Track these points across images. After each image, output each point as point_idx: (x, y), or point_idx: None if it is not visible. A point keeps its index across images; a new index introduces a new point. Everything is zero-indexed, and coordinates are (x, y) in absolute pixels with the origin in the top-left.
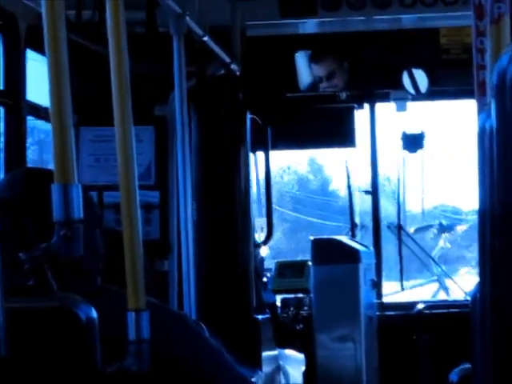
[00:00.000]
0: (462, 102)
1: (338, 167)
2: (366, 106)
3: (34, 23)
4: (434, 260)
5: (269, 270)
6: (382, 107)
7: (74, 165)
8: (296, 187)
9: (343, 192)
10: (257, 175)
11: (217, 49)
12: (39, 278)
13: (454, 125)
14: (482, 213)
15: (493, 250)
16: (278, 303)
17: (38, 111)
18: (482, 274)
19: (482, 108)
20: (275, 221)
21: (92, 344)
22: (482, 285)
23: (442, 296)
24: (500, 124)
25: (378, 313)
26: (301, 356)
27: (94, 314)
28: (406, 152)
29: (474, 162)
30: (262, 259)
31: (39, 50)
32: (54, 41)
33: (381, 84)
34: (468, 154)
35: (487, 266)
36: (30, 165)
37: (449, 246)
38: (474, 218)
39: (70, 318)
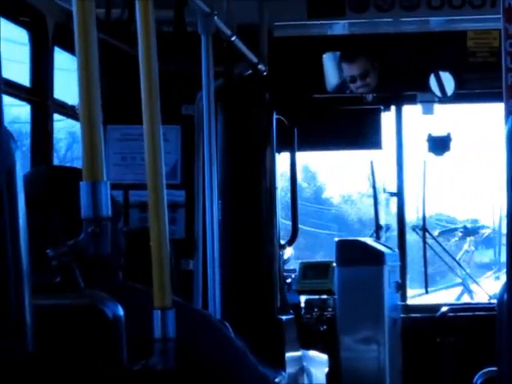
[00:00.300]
0: (487, 105)
1: (331, 174)
2: (393, 108)
3: (62, 21)
4: (458, 263)
5: (293, 270)
6: (408, 109)
7: (103, 162)
8: (289, 195)
9: (336, 200)
10: None
11: (244, 49)
12: (66, 275)
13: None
14: (510, 215)
15: None
16: (302, 304)
17: (65, 109)
18: (510, 276)
19: (511, 111)
20: None
21: (118, 341)
22: (509, 286)
23: (466, 299)
24: None
25: (402, 315)
26: (324, 357)
27: (121, 311)
28: (428, 155)
29: (483, 167)
30: (284, 260)
31: (67, 47)
32: (84, 40)
33: (408, 86)
34: (475, 160)
35: None
36: None
37: (473, 248)
38: (468, 226)
39: (97, 316)
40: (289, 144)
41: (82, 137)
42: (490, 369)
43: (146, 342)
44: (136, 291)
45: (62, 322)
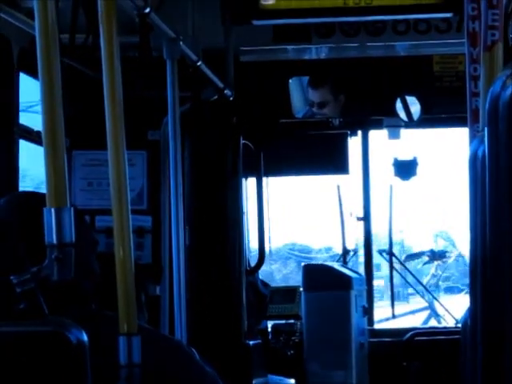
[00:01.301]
0: (454, 129)
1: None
2: (359, 132)
3: (27, 46)
4: (425, 287)
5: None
6: (375, 134)
7: (67, 188)
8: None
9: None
10: None
11: (210, 74)
12: (30, 302)
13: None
14: (473, 240)
15: (483, 277)
16: (269, 329)
17: (30, 135)
18: (472, 302)
19: (475, 135)
20: None
21: (82, 367)
22: (472, 312)
23: (433, 323)
24: (492, 150)
25: (369, 339)
26: (292, 382)
27: (85, 337)
28: (395, 180)
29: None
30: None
31: (32, 73)
32: (47, 64)
33: (374, 111)
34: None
35: (478, 294)
36: None
37: (440, 272)
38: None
39: (61, 342)
40: (255, 169)
41: (46, 163)
42: None
43: (118, 370)
44: (109, 319)
45: (26, 349)
